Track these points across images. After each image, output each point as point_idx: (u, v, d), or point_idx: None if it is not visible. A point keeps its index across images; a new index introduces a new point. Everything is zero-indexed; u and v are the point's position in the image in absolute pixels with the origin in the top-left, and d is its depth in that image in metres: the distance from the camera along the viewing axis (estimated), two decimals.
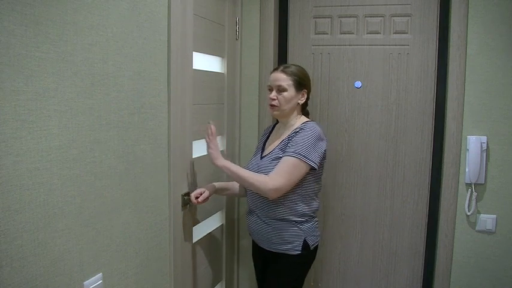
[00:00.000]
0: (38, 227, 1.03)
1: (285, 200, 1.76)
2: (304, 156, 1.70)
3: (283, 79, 1.81)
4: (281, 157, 1.74)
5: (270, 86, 1.85)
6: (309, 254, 1.82)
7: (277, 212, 1.78)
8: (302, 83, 1.85)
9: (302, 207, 1.79)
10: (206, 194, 1.83)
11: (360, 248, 2.39)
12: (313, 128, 1.78)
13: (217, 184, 1.94)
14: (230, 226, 2.33)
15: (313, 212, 1.86)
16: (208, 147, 1.78)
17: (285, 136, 1.83)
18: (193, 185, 1.85)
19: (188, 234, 1.81)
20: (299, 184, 1.76)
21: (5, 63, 0.92)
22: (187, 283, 1.83)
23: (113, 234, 1.32)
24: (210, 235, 2.10)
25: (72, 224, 1.14)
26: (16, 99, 0.95)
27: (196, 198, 1.77)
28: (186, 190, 1.78)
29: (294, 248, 1.78)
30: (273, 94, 1.82)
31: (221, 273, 2.27)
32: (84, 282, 1.20)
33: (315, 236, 1.84)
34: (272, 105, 1.83)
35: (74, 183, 1.15)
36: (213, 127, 1.78)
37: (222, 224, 2.26)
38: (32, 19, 0.98)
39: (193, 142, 1.85)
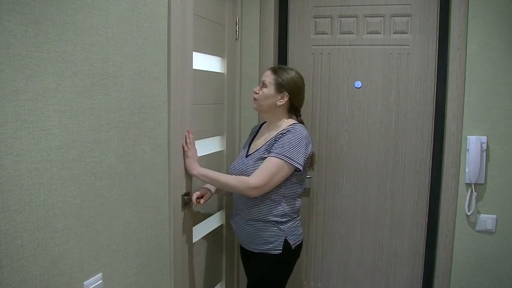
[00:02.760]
0: (38, 227, 1.03)
1: (268, 201, 1.77)
2: (289, 158, 1.70)
3: (268, 76, 1.86)
4: (266, 157, 1.74)
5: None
6: (290, 253, 1.81)
7: (259, 213, 1.79)
8: (283, 84, 1.82)
9: (284, 208, 1.79)
10: (208, 195, 1.84)
11: (360, 248, 2.39)
12: (300, 130, 1.78)
13: None
14: (230, 226, 2.33)
15: (295, 212, 1.85)
16: (186, 156, 1.74)
17: (271, 136, 1.82)
18: (194, 185, 1.85)
19: (188, 234, 1.81)
20: (283, 185, 1.76)
21: (5, 63, 0.92)
22: (187, 283, 1.83)
23: (112, 234, 1.32)
24: (210, 235, 2.10)
25: (72, 224, 1.14)
26: (16, 99, 0.95)
27: (198, 199, 1.78)
28: (186, 190, 1.78)
29: (274, 247, 1.78)
30: (257, 88, 1.88)
31: (221, 273, 2.27)
32: (84, 282, 1.20)
33: (296, 235, 1.83)
34: (254, 99, 1.88)
35: (74, 183, 1.15)
36: (191, 135, 1.77)
37: (222, 224, 2.26)
38: (32, 19, 0.98)
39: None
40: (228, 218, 2.27)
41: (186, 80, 1.73)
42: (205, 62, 1.98)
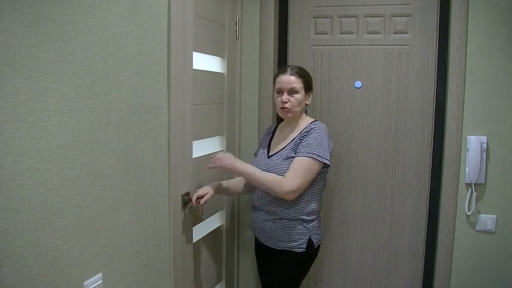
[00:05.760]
0: (38, 227, 1.03)
1: (298, 199, 1.79)
2: (319, 155, 1.74)
3: (295, 81, 1.84)
4: (293, 156, 1.77)
5: (280, 88, 1.85)
6: (312, 252, 1.85)
7: (289, 211, 1.81)
8: (310, 84, 1.91)
9: (311, 205, 1.82)
10: (208, 196, 1.83)
11: (360, 248, 2.39)
12: (323, 127, 1.83)
13: (218, 184, 1.94)
14: (230, 226, 2.33)
15: (320, 211, 1.90)
16: (217, 158, 1.82)
17: (294, 136, 1.85)
18: (194, 185, 1.85)
19: (188, 234, 1.81)
20: (311, 183, 1.80)
21: (5, 63, 0.92)
22: (187, 283, 1.83)
23: (113, 234, 1.32)
24: (210, 235, 2.10)
25: (72, 224, 1.14)
26: (16, 99, 0.95)
27: (198, 199, 1.77)
28: (186, 190, 1.78)
29: (299, 245, 1.81)
30: (285, 97, 1.82)
31: (221, 273, 2.27)
32: (84, 282, 1.20)
33: (318, 234, 1.88)
34: (285, 108, 1.83)
35: (74, 183, 1.15)
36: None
37: (222, 224, 2.26)
38: (32, 19, 0.98)
39: (193, 142, 1.84)
40: (227, 217, 2.27)
41: (186, 80, 1.73)
42: (205, 62, 1.98)
